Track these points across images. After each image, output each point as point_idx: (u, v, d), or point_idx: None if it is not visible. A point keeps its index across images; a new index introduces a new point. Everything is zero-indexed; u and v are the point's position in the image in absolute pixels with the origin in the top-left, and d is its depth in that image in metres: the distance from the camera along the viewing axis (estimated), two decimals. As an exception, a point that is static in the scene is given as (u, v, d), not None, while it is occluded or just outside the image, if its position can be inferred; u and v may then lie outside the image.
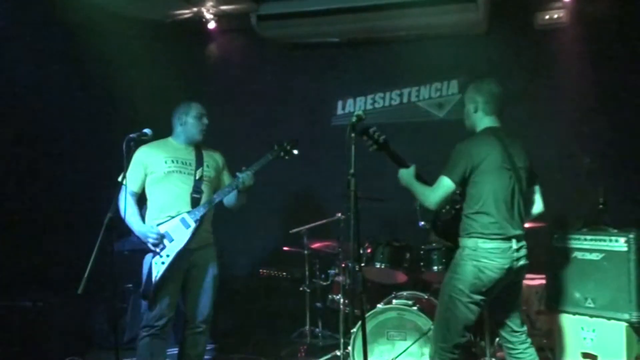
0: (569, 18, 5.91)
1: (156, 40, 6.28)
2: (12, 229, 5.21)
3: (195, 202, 4.30)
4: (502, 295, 3.82)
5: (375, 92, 6.80)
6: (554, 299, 4.76)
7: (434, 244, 5.23)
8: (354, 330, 4.78)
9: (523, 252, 3.79)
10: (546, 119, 6.07)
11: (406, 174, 4.01)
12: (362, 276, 4.20)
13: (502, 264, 3.66)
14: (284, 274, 6.25)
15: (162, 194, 4.31)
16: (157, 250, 4.17)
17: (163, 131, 4.43)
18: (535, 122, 6.10)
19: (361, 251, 5.30)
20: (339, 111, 6.95)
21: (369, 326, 4.78)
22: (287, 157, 4.58)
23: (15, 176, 5.37)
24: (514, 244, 3.72)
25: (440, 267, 5.09)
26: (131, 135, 3.94)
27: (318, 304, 5.84)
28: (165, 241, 4.17)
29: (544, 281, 5.04)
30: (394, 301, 4.93)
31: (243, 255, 6.87)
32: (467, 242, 3.74)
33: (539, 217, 5.18)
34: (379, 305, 4.92)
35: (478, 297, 3.68)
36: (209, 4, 6.33)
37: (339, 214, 5.40)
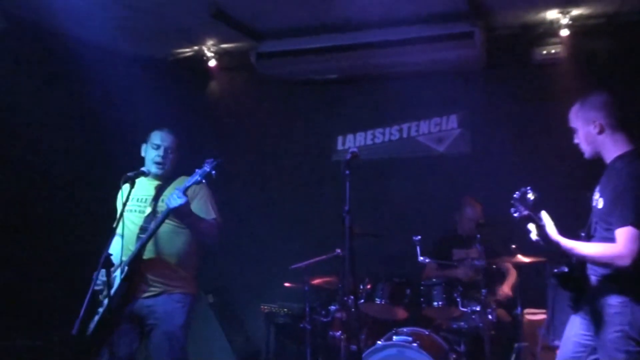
0: (566, 53, 5.94)
1: (157, 79, 6.32)
2: (9, 266, 5.15)
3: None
4: None
5: (375, 127, 6.84)
6: (556, 335, 4.70)
7: (434, 280, 5.23)
8: (354, 367, 4.74)
9: None
10: (542, 151, 6.08)
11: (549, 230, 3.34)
12: (359, 312, 4.15)
13: None
14: (285, 310, 6.20)
15: (119, 237, 3.97)
16: (100, 297, 3.94)
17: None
18: (531, 154, 6.12)
19: (361, 287, 5.29)
20: (339, 146, 6.98)
21: (369, 363, 4.75)
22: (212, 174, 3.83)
23: (13, 212, 5.36)
24: None
25: (440, 302, 5.08)
26: (129, 174, 3.89)
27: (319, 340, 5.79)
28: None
29: (545, 316, 5.00)
30: (394, 337, 4.91)
31: (244, 290, 6.86)
32: None
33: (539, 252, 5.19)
34: (378, 342, 4.90)
35: None
36: (210, 42, 6.43)
37: (338, 250, 5.38)
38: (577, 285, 3.43)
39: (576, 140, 3.49)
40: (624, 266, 3.07)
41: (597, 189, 3.39)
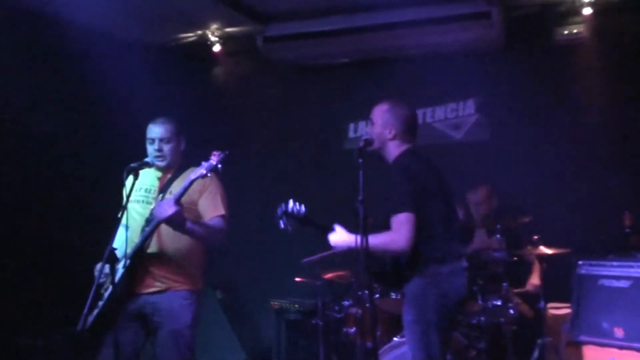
0: (589, 32, 5.77)
1: (161, 64, 6.22)
2: (8, 262, 5.04)
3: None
4: None
5: (388, 114, 6.65)
6: (581, 330, 4.56)
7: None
8: (369, 365, 4.58)
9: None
10: (566, 138, 5.92)
11: (341, 235, 3.87)
12: (375, 308, 4.03)
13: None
14: (296, 305, 6.10)
15: (124, 229, 3.91)
16: (101, 291, 3.83)
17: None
18: (555, 141, 5.97)
19: (376, 281, 5.12)
20: (351, 134, 6.84)
21: (385, 361, 4.57)
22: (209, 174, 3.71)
23: (12, 207, 5.23)
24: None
25: (459, 297, 4.90)
26: (132, 165, 3.77)
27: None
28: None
29: (570, 310, 4.81)
30: (411, 334, 4.72)
31: (254, 286, 6.75)
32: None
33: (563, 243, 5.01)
34: (395, 339, 4.71)
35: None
36: (214, 26, 6.29)
37: (351, 242, 5.21)
38: None
39: (368, 129, 4.08)
40: (400, 249, 3.57)
41: None
